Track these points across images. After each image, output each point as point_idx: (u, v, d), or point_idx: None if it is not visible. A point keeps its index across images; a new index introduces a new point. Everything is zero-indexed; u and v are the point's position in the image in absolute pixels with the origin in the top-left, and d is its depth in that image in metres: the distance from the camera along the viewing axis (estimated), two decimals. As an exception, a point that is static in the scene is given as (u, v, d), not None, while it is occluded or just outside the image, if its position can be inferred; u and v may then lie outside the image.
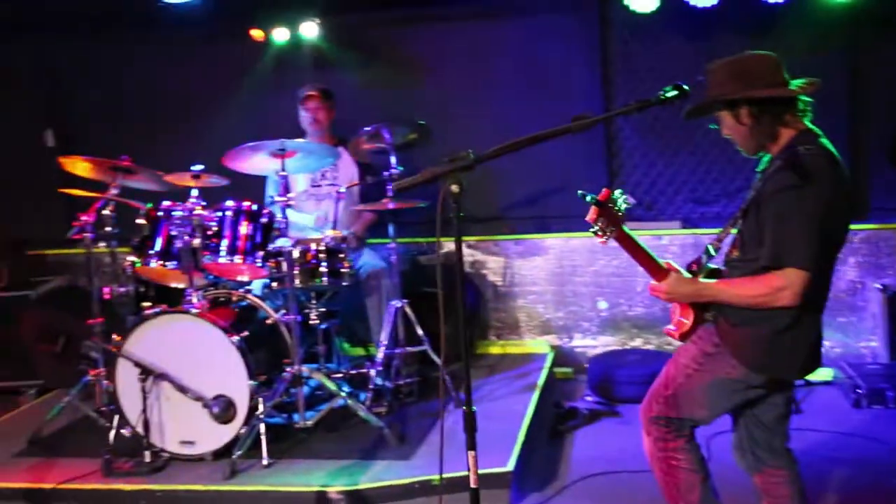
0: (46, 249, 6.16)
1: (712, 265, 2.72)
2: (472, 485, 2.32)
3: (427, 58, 5.83)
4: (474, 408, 2.34)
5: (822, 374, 5.04)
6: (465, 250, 5.84)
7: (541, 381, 4.82)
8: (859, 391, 4.60)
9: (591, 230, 2.52)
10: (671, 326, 2.80)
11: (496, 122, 5.59)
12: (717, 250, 2.72)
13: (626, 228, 2.55)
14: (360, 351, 5.44)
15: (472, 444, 2.32)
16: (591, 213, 2.51)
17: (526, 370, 5.10)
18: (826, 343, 5.17)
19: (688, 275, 2.70)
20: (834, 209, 2.49)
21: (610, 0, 5.53)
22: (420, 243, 5.85)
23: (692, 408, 2.69)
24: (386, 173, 4.41)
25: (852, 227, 5.21)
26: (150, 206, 4.20)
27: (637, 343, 5.62)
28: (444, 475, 3.48)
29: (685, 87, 2.35)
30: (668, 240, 5.50)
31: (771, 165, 2.60)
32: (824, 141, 2.58)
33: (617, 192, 2.49)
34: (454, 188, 2.18)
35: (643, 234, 5.40)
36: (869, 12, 5.07)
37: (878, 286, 5.16)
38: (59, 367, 5.08)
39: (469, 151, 2.20)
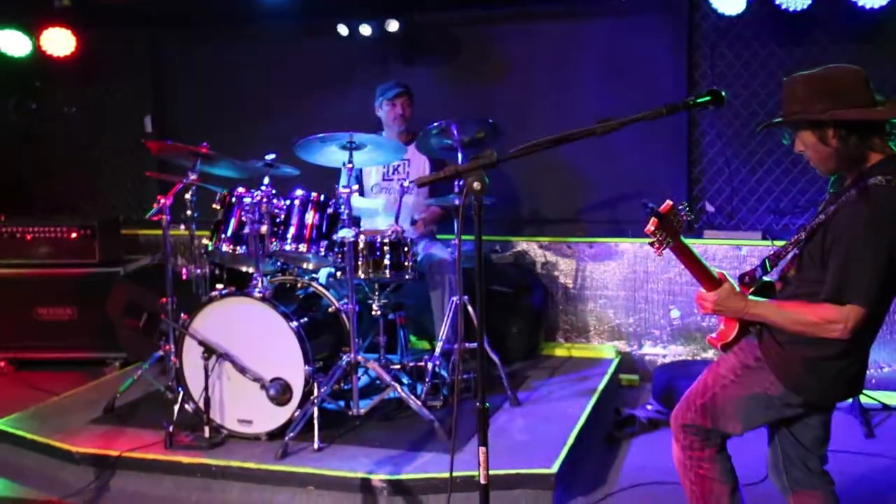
0: (139, 230, 6.47)
1: (767, 279, 2.63)
2: (482, 481, 2.33)
3: (511, 56, 5.86)
4: (487, 405, 2.35)
5: (900, 398, 4.81)
6: (537, 250, 5.84)
7: (601, 385, 4.77)
8: (938, 418, 4.37)
9: (649, 241, 2.48)
10: (713, 335, 2.73)
11: (579, 123, 5.52)
12: (773, 266, 2.63)
13: (683, 239, 2.50)
14: (426, 345, 5.51)
15: (483, 441, 2.32)
16: (651, 224, 2.46)
17: (589, 374, 5.05)
18: (912, 367, 5.06)
19: (738, 287, 2.62)
20: None
21: (699, 2, 5.41)
22: (493, 242, 5.87)
23: (725, 419, 2.63)
24: (452, 170, 4.43)
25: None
26: (224, 191, 4.36)
27: (708, 355, 5.47)
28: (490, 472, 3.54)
29: (722, 94, 2.28)
30: (747, 250, 5.34)
31: (845, 191, 2.49)
32: None
33: (680, 206, 2.43)
34: (476, 185, 2.17)
35: (723, 244, 5.39)
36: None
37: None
38: (141, 342, 5.34)
39: (492, 151, 2.19)
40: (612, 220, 5.77)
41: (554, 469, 3.60)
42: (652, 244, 2.46)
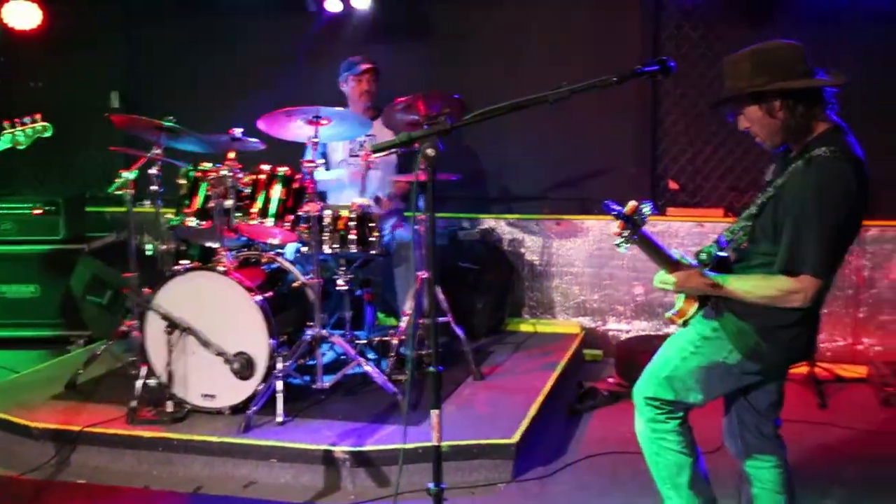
0: (105, 207, 6.43)
1: (723, 254, 2.67)
2: (436, 443, 2.38)
3: (483, 34, 5.84)
4: (439, 368, 2.40)
5: (856, 370, 4.93)
6: (504, 227, 5.88)
7: (564, 360, 4.84)
8: (889, 389, 4.49)
9: (616, 242, 2.52)
10: (673, 312, 2.77)
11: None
12: (728, 241, 2.67)
13: (644, 231, 2.54)
14: (394, 321, 5.54)
15: (436, 404, 2.37)
16: (617, 227, 2.49)
17: (552, 349, 5.12)
18: (865, 340, 5.18)
19: (695, 262, 2.66)
20: (851, 215, 2.44)
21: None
22: (461, 219, 5.91)
23: (686, 390, 2.67)
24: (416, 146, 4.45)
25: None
26: (189, 166, 4.35)
27: (671, 330, 5.52)
28: (450, 442, 3.60)
29: (670, 63, 2.32)
30: (709, 227, 5.42)
31: (792, 163, 2.53)
32: (850, 139, 2.50)
33: (642, 205, 2.47)
34: (430, 152, 2.20)
35: (686, 220, 5.46)
36: None
37: (924, 286, 5.00)
38: (105, 319, 5.33)
39: (445, 118, 2.22)
40: (578, 198, 5.82)
41: (515, 439, 3.66)
42: (618, 245, 2.50)
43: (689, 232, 5.50)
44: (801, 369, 4.61)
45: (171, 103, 5.24)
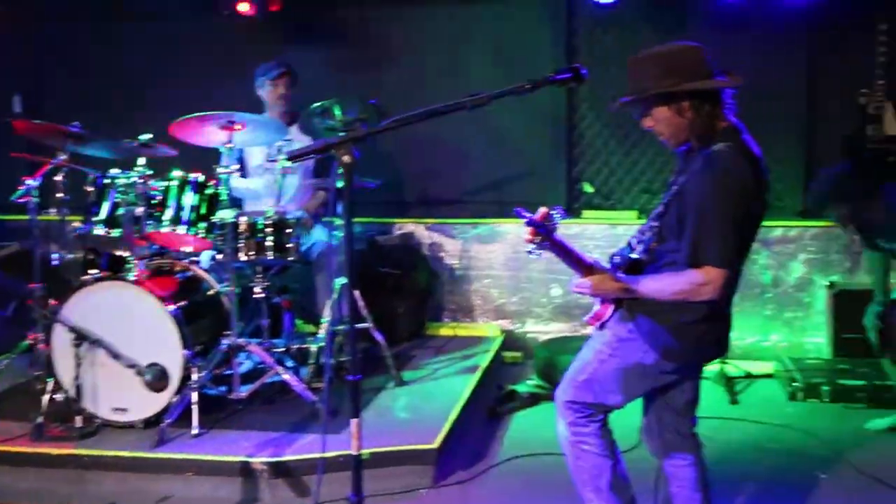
0: (7, 215, 6.15)
1: (634, 256, 2.72)
2: (354, 451, 2.36)
3: (398, 39, 5.86)
4: (359, 377, 2.37)
5: (764, 367, 5.10)
6: (423, 232, 5.89)
7: (484, 363, 4.87)
8: (795, 384, 4.66)
9: (527, 249, 2.54)
10: (590, 316, 2.81)
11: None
12: (639, 242, 2.72)
13: (556, 236, 2.57)
14: (313, 328, 5.47)
15: (355, 413, 2.35)
16: (528, 234, 2.51)
17: (472, 352, 5.14)
18: (773, 337, 5.37)
19: (609, 266, 2.71)
20: (750, 208, 2.51)
21: (576, -12, 5.56)
22: (380, 223, 5.89)
23: (606, 393, 2.71)
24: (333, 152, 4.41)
25: (804, 223, 5.34)
26: (97, 173, 4.21)
27: (588, 331, 5.63)
28: (371, 450, 3.58)
29: (582, 71, 2.35)
30: (623, 229, 5.52)
31: (692, 160, 2.60)
32: (746, 137, 2.59)
33: (552, 211, 2.50)
34: (346, 159, 2.18)
35: (601, 223, 5.57)
36: (828, 10, 5.10)
37: (826, 283, 5.20)
38: (9, 332, 5.10)
39: (360, 124, 2.20)
40: (496, 202, 5.87)
41: (436, 444, 3.66)
42: (530, 252, 2.53)
43: (604, 234, 5.60)
44: (712, 366, 4.75)
45: (77, 108, 5.05)
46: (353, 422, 2.37)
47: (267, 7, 5.57)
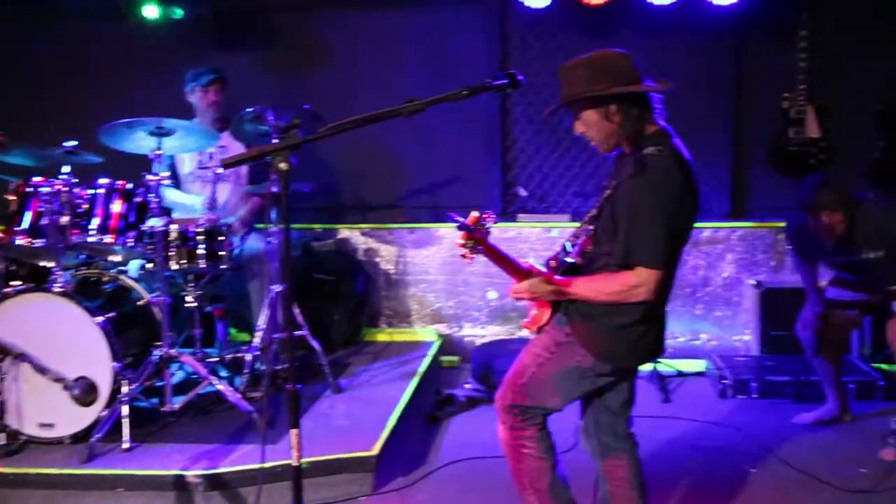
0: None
1: (570, 259, 2.75)
2: (294, 462, 2.32)
3: (332, 44, 5.84)
4: (298, 387, 2.34)
5: (694, 365, 5.22)
6: (359, 237, 5.86)
7: (422, 368, 4.86)
8: (725, 382, 4.77)
9: (460, 253, 2.54)
10: (527, 320, 2.83)
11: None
12: (573, 246, 2.75)
13: (489, 241, 2.58)
14: (246, 336, 5.39)
15: (295, 423, 2.31)
16: (461, 238, 2.52)
17: (410, 357, 5.13)
18: (702, 336, 5.50)
19: (546, 271, 2.73)
20: (681, 210, 2.56)
21: (510, -6, 5.61)
22: (315, 229, 5.84)
23: (544, 396, 2.73)
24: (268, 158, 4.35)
25: (731, 224, 5.48)
26: (19, 181, 4.07)
27: (524, 333, 5.67)
28: (310, 459, 3.54)
29: (518, 77, 2.37)
30: (557, 232, 5.59)
31: (624, 164, 2.65)
32: (676, 141, 2.64)
33: (484, 215, 2.51)
34: (282, 166, 2.15)
35: (535, 227, 5.62)
36: (753, 17, 5.25)
37: (753, 282, 5.35)
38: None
39: (296, 131, 2.18)
40: (431, 206, 5.90)
41: (375, 451, 3.64)
42: (463, 256, 2.53)
43: (538, 237, 5.66)
44: (645, 366, 4.83)
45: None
46: (293, 432, 2.33)
47: (197, 9, 5.46)
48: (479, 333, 5.76)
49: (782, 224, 5.34)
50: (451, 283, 5.79)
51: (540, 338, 2.77)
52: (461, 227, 2.47)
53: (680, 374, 5.14)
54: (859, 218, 3.78)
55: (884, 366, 4.91)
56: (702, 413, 4.51)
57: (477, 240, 2.52)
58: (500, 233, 5.69)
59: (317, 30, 5.84)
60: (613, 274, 2.57)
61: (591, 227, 2.69)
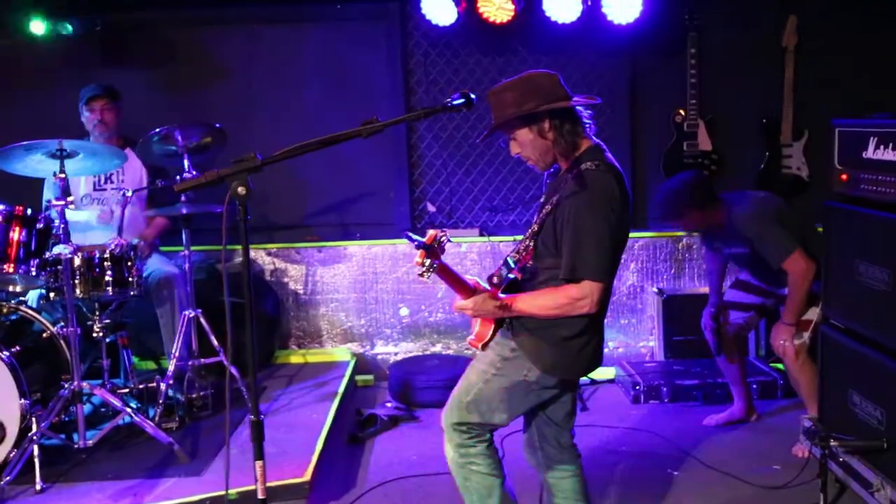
0: None
1: (512, 276, 2.77)
2: (260, 496, 2.25)
3: (228, 61, 5.72)
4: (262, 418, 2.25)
5: (605, 372, 5.36)
6: (265, 258, 5.73)
7: (341, 388, 4.80)
8: (638, 388, 4.93)
9: (418, 272, 2.52)
10: (472, 337, 2.84)
11: (300, 126, 5.54)
12: (515, 262, 2.77)
13: (442, 261, 2.58)
14: (151, 364, 5.18)
15: (259, 454, 2.25)
16: (419, 256, 2.50)
17: (326, 378, 5.05)
18: (610, 344, 5.66)
19: (489, 288, 2.74)
20: (621, 222, 2.64)
21: (411, 13, 5.63)
22: (218, 251, 5.67)
23: (492, 412, 2.74)
24: (178, 178, 4.22)
25: (633, 235, 5.68)
26: None
27: (437, 349, 5.72)
28: (239, 489, 3.44)
29: (471, 96, 2.39)
30: (466, 247, 5.64)
31: (561, 180, 2.70)
32: (608, 155, 2.72)
33: (440, 234, 2.51)
34: (240, 190, 2.10)
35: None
36: (646, 36, 5.48)
37: (655, 290, 5.56)
38: None
39: (254, 153, 2.12)
40: (340, 224, 5.84)
41: (307, 477, 3.57)
42: (421, 275, 2.52)
43: (448, 251, 5.52)
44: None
45: None
46: (258, 464, 2.26)
47: (89, 25, 5.23)
48: (391, 351, 5.73)
49: (680, 234, 5.61)
50: (361, 300, 5.74)
51: (485, 354, 2.78)
52: (419, 247, 2.47)
53: (592, 381, 5.27)
54: (728, 218, 4.05)
55: (779, 366, 5.19)
56: (618, 419, 4.64)
57: (433, 257, 2.52)
58: (410, 249, 5.68)
59: (211, 46, 5.69)
60: (556, 288, 2.62)
61: (531, 243, 2.72)
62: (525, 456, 2.99)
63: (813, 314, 3.97)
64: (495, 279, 2.78)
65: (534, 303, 2.64)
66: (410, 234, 2.49)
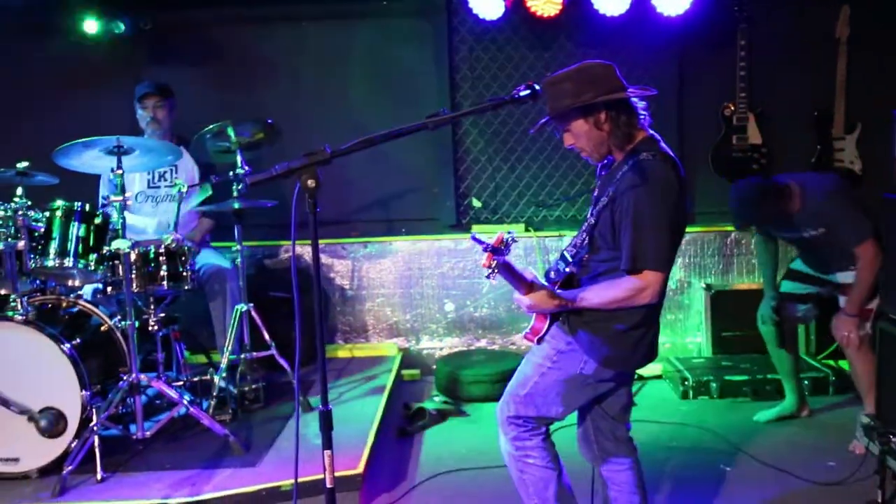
0: None
1: (568, 270, 2.76)
2: (329, 484, 2.29)
3: (275, 58, 5.78)
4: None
5: (652, 368, 5.33)
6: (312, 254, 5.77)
7: (389, 382, 4.83)
8: (686, 383, 4.90)
9: (485, 274, 2.53)
10: (527, 331, 2.84)
11: (345, 122, 5.59)
12: (572, 256, 2.77)
13: (507, 261, 2.58)
14: (201, 358, 5.25)
15: (328, 444, 2.28)
16: (487, 260, 2.51)
17: (374, 373, 5.09)
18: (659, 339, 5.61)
19: (546, 282, 2.73)
20: (679, 212, 2.63)
21: (458, 8, 5.64)
22: (265, 247, 5.74)
23: (548, 405, 2.74)
24: (231, 173, 4.28)
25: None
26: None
27: (482, 344, 5.73)
28: (293, 480, 3.47)
29: (537, 88, 2.39)
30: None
31: (616, 171, 2.69)
32: (664, 146, 2.70)
33: (506, 235, 2.52)
34: (310, 183, 2.13)
35: (491, 237, 5.64)
36: (695, 28, 5.43)
37: (703, 285, 5.51)
38: None
39: (323, 147, 2.15)
40: (385, 220, 5.87)
41: (360, 469, 3.59)
42: (488, 276, 2.53)
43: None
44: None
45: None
46: (326, 453, 2.29)
47: (140, 24, 5.33)
48: (436, 345, 5.76)
49: (729, 228, 5.56)
50: (406, 296, 5.78)
51: (540, 347, 2.78)
52: (487, 249, 2.47)
53: (640, 377, 5.24)
54: (803, 200, 3.96)
55: (830, 361, 5.13)
56: (667, 415, 4.62)
57: (499, 257, 2.52)
58: (455, 244, 5.71)
59: (258, 43, 5.76)
60: (617, 280, 2.61)
61: (588, 236, 2.72)
62: (579, 449, 2.99)
63: (874, 304, 3.91)
64: (552, 274, 2.78)
65: (594, 296, 2.63)
66: (478, 236, 2.50)
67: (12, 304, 3.70)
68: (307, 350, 5.33)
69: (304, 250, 5.79)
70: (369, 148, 2.22)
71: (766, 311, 4.37)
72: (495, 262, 2.48)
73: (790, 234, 4.19)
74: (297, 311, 2.54)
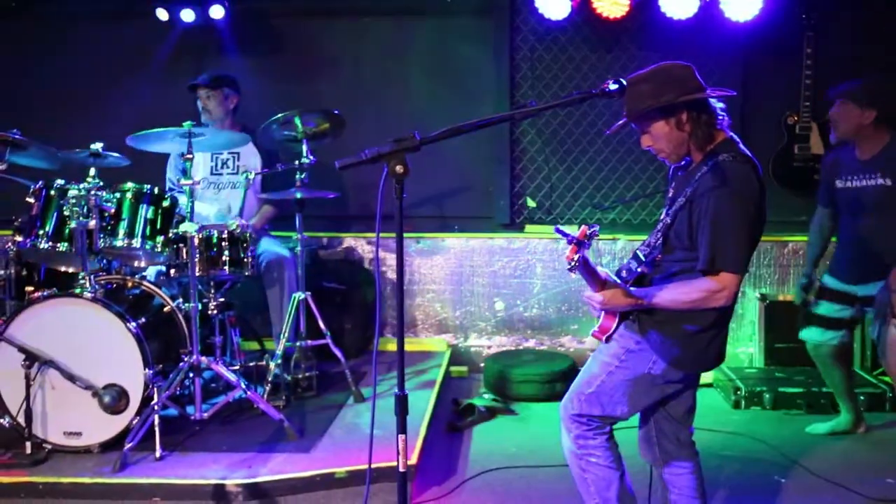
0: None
1: (640, 270, 2.75)
2: (401, 468, 2.33)
3: (336, 52, 5.83)
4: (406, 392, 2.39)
5: (703, 377, 5.26)
6: (365, 247, 5.84)
7: (439, 377, 4.86)
8: (739, 393, 4.85)
9: (568, 267, 2.54)
10: (595, 329, 2.83)
11: (404, 118, 5.63)
12: (645, 256, 2.76)
13: (585, 254, 2.59)
14: (253, 345, 5.31)
15: (402, 428, 2.32)
16: (571, 252, 2.52)
17: (423, 367, 5.12)
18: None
19: (619, 281, 2.73)
20: (759, 214, 2.61)
21: (521, 7, 5.64)
22: (319, 238, 5.80)
23: (613, 405, 2.73)
24: (297, 163, 4.33)
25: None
26: (39, 184, 3.98)
27: (530, 344, 5.73)
28: (347, 468, 3.53)
29: (624, 82, 2.39)
30: (563, 244, 5.58)
31: (696, 171, 2.66)
32: (743, 147, 2.68)
33: (590, 229, 2.52)
34: (399, 169, 2.16)
35: (543, 237, 5.65)
36: (759, 35, 5.37)
37: (758, 295, 5.45)
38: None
39: (413, 133, 2.18)
40: (438, 216, 5.89)
41: (414, 461, 3.62)
42: (570, 269, 2.54)
43: (546, 248, 5.71)
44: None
45: (15, 116, 4.77)
46: (401, 438, 2.32)
47: (209, 13, 5.43)
48: (485, 344, 5.77)
49: (787, 238, 5.49)
50: (457, 293, 5.80)
51: (608, 346, 2.78)
52: (571, 241, 2.48)
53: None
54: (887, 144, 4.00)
55: (887, 378, 5.03)
56: (719, 424, 4.57)
57: (583, 253, 2.53)
58: (508, 243, 5.72)
59: (320, 37, 5.82)
60: (692, 281, 2.60)
61: (663, 236, 2.70)
62: (640, 451, 2.97)
63: None
64: (624, 273, 2.77)
65: (668, 296, 2.61)
66: (562, 228, 2.50)
67: (81, 281, 3.79)
68: (357, 342, 5.40)
69: (358, 243, 5.86)
70: (456, 136, 2.24)
71: (797, 288, 4.43)
72: (578, 255, 2.48)
73: (858, 179, 4.10)
74: (377, 294, 2.62)
